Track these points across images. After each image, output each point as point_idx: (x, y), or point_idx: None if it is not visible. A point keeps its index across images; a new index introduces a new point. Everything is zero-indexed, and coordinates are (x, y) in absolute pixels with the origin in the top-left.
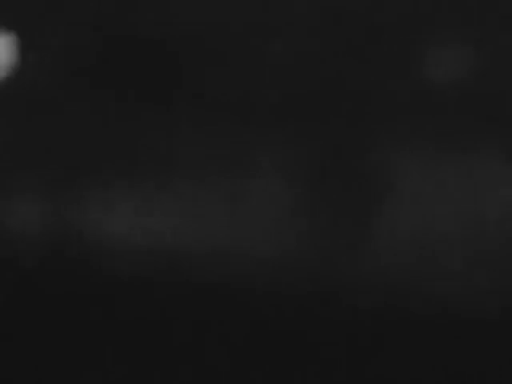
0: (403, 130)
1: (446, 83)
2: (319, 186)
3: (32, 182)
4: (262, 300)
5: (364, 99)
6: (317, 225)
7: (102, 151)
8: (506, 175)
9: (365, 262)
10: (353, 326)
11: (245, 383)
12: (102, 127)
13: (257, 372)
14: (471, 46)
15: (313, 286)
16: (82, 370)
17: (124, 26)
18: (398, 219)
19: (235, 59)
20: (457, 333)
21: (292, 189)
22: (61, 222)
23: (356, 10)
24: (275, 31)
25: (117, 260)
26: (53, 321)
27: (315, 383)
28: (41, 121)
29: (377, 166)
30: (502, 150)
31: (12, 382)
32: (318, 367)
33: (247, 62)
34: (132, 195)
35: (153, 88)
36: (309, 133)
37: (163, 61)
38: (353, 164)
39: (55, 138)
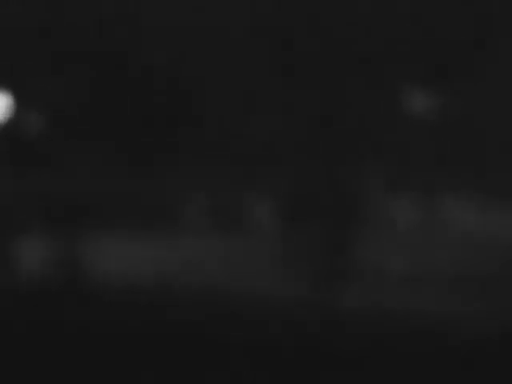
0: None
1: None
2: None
3: (42, 226)
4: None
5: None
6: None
7: (104, 200)
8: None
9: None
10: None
11: None
12: (102, 176)
13: None
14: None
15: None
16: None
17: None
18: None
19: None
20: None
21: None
22: (69, 260)
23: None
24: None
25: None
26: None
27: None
28: (45, 170)
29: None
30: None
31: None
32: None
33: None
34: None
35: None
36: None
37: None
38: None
39: (60, 186)
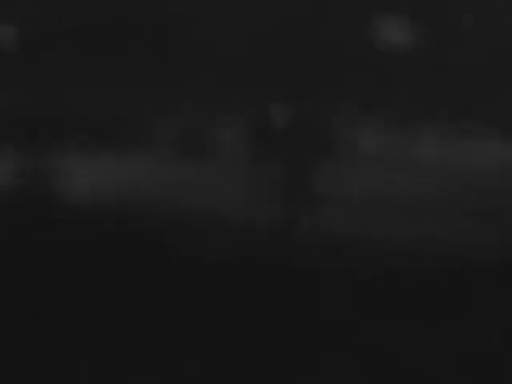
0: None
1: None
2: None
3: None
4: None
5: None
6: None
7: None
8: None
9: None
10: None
11: None
12: (75, 97)
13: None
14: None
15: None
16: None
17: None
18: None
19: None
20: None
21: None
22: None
23: None
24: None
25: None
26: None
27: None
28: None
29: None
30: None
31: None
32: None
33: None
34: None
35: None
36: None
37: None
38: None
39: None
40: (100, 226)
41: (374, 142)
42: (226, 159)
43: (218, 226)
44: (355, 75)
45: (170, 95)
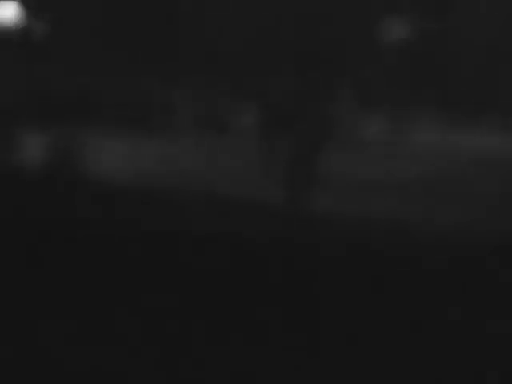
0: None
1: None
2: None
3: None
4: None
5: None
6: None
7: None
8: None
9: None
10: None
11: None
12: (100, 77)
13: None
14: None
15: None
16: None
17: None
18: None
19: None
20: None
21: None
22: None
23: None
24: None
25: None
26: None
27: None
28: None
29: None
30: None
31: None
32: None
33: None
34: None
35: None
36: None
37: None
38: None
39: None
40: (127, 204)
41: (378, 128)
42: (238, 139)
43: (233, 203)
44: (360, 63)
45: (187, 79)
